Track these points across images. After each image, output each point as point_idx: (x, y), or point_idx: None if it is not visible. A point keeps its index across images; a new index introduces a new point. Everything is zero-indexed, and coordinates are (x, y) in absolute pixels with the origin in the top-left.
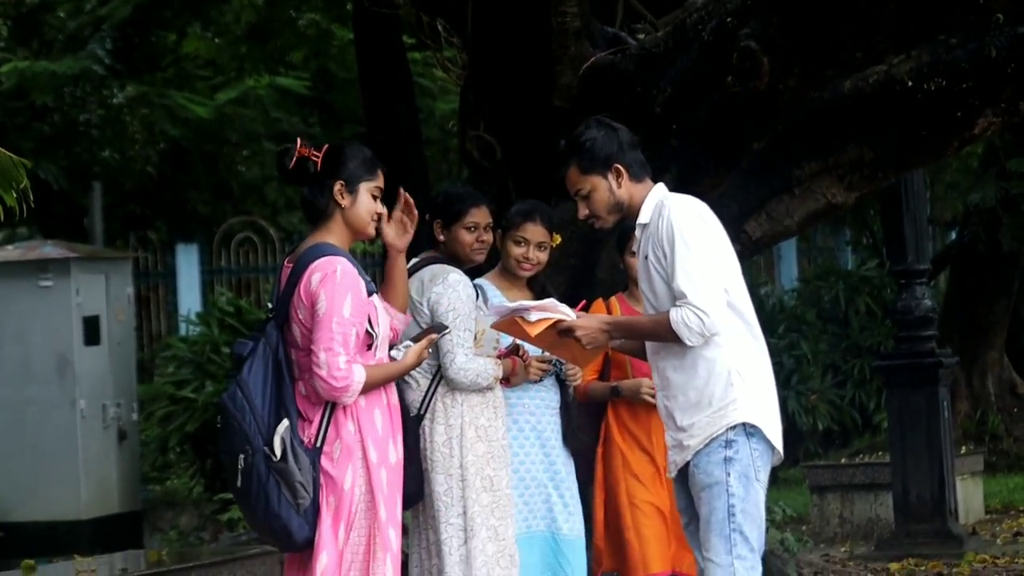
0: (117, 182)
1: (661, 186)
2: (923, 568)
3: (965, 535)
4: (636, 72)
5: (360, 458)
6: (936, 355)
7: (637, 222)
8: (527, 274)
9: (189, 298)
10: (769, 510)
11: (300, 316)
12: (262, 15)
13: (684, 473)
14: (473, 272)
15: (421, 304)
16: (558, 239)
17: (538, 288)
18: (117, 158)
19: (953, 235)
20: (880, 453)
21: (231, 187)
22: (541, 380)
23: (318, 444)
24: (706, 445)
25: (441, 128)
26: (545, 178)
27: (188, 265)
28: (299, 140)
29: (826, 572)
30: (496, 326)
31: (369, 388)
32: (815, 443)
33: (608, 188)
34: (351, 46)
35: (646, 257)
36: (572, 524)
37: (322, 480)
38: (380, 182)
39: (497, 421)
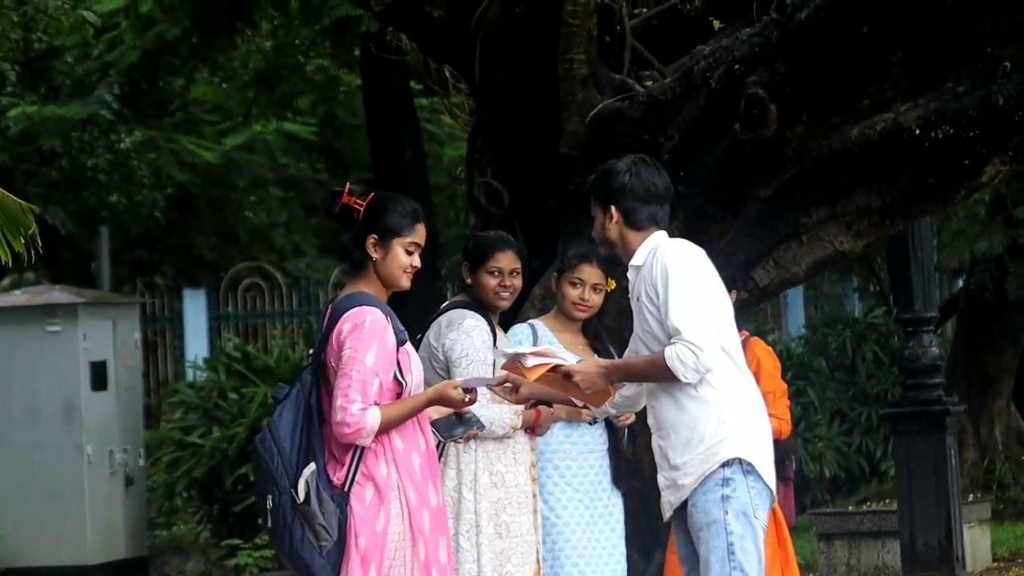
0: (124, 227)
1: (662, 234)
2: None
3: None
4: (643, 119)
5: (396, 500)
6: (943, 403)
7: (630, 263)
8: (583, 315)
9: (196, 343)
10: None
11: (332, 363)
12: (270, 61)
13: (682, 517)
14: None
15: (437, 350)
16: (613, 284)
17: (591, 332)
18: (124, 203)
19: (960, 283)
20: (887, 501)
21: (238, 232)
22: (595, 422)
23: (346, 487)
24: (702, 484)
25: (448, 174)
26: (553, 225)
27: (195, 310)
28: (348, 186)
29: None
30: (504, 368)
31: (390, 426)
32: (822, 490)
33: (601, 222)
34: (359, 92)
35: (638, 298)
36: (607, 568)
37: (351, 522)
38: (416, 237)
39: (517, 467)
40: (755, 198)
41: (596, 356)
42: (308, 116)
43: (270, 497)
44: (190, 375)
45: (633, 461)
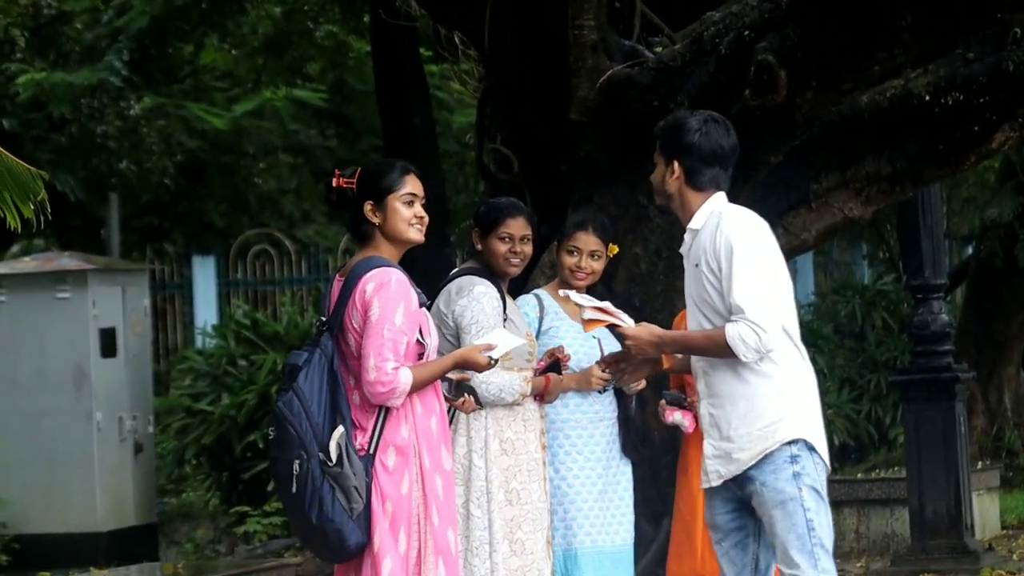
0: (134, 194)
1: (722, 196)
2: None
3: (981, 550)
4: (653, 85)
5: (416, 464)
6: (953, 370)
7: (688, 226)
8: (580, 283)
9: (205, 310)
10: None
11: (354, 325)
12: (279, 27)
13: (730, 489)
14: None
15: (447, 316)
16: (615, 249)
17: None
18: (134, 170)
19: (970, 250)
20: (896, 468)
21: (247, 199)
22: (604, 391)
23: (371, 451)
24: (768, 463)
25: (458, 141)
26: (563, 191)
27: (204, 277)
28: (336, 172)
29: None
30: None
31: (417, 388)
32: (831, 458)
33: (662, 174)
34: (368, 58)
35: (696, 265)
36: (617, 537)
37: (376, 486)
38: (410, 188)
39: (527, 434)
40: (765, 164)
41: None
42: (318, 82)
43: (297, 462)
44: (199, 342)
45: (642, 429)
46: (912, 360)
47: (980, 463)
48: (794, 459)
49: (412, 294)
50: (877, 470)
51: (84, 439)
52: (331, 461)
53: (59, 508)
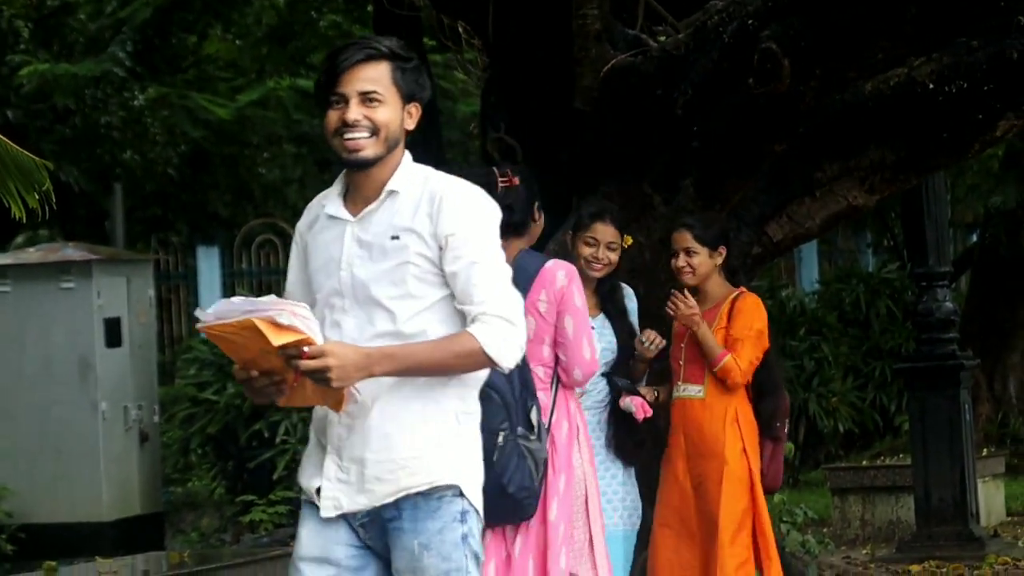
0: (138, 184)
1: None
2: (944, 570)
3: (986, 537)
4: (656, 74)
5: (583, 440)
6: (957, 357)
7: (386, 187)
8: (597, 274)
9: (210, 300)
10: (790, 512)
11: (541, 310)
12: (283, 17)
13: (360, 524)
14: None
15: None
16: (629, 240)
17: (606, 289)
18: (138, 160)
19: (974, 237)
20: (901, 455)
21: (252, 189)
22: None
23: (547, 427)
24: (432, 517)
25: (462, 130)
26: (566, 180)
27: (209, 267)
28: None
29: (847, 574)
30: (210, 330)
31: None
32: (836, 445)
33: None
34: None
35: (395, 237)
36: (611, 517)
37: (552, 459)
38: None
39: None
40: (769, 153)
41: (605, 317)
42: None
43: (502, 434)
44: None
45: (633, 427)
46: (916, 348)
47: (985, 450)
48: (463, 517)
49: None
50: (882, 457)
51: (89, 429)
52: (532, 434)
53: (65, 497)
